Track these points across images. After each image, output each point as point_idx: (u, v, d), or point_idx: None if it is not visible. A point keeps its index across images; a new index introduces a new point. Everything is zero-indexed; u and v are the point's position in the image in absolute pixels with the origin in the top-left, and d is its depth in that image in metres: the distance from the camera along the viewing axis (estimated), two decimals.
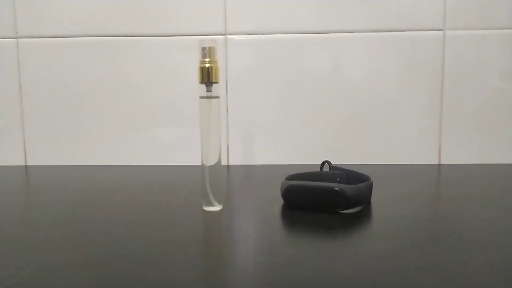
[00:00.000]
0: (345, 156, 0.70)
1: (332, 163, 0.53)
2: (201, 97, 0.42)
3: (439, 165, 0.69)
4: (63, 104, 0.72)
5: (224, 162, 0.71)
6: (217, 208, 0.44)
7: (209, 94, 0.42)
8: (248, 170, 0.68)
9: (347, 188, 0.43)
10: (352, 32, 0.68)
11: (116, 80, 0.71)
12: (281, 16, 0.69)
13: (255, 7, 0.69)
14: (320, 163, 0.53)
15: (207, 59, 0.41)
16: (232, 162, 0.72)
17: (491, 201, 0.48)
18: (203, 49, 0.41)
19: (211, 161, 0.43)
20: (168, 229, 0.39)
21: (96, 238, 0.37)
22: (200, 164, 0.44)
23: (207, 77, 0.41)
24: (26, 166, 0.72)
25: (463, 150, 0.69)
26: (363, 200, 0.45)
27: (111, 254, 0.33)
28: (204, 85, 0.42)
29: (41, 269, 0.30)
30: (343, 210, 0.43)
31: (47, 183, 0.60)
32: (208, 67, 0.41)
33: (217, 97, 0.43)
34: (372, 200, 0.47)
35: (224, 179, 0.61)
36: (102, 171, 0.68)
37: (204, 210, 0.44)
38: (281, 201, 0.47)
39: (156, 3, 0.69)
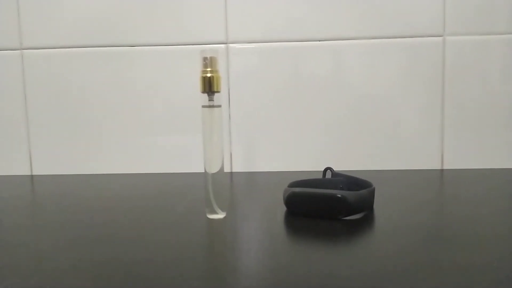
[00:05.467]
0: (347, 162, 0.70)
1: (334, 170, 0.53)
2: (203, 106, 0.43)
3: (442, 170, 0.69)
4: (67, 114, 0.72)
5: (227, 169, 0.71)
6: (220, 215, 0.44)
7: (211, 103, 0.43)
8: (251, 177, 0.68)
9: (349, 194, 0.43)
10: (352, 39, 0.69)
11: (119, 89, 0.72)
12: (281, 24, 0.69)
13: (256, 15, 0.69)
14: (323, 170, 0.54)
15: (209, 69, 0.42)
16: (235, 169, 0.72)
17: (496, 206, 0.48)
18: (204, 59, 0.42)
19: (214, 169, 0.44)
20: (172, 237, 0.39)
21: (100, 245, 0.37)
22: (203, 171, 0.44)
23: (209, 87, 0.42)
24: (32, 176, 0.73)
25: (466, 155, 0.69)
26: (365, 207, 0.46)
27: (115, 262, 0.33)
28: (206, 95, 0.42)
29: (48, 277, 0.30)
30: (345, 216, 0.43)
31: (52, 192, 0.61)
32: (209, 77, 0.42)
33: (219, 106, 0.43)
34: (374, 206, 0.47)
35: (227, 186, 0.61)
36: (107, 179, 0.68)
37: (207, 218, 0.44)
38: (284, 208, 0.47)
39: (159, 14, 0.70)
